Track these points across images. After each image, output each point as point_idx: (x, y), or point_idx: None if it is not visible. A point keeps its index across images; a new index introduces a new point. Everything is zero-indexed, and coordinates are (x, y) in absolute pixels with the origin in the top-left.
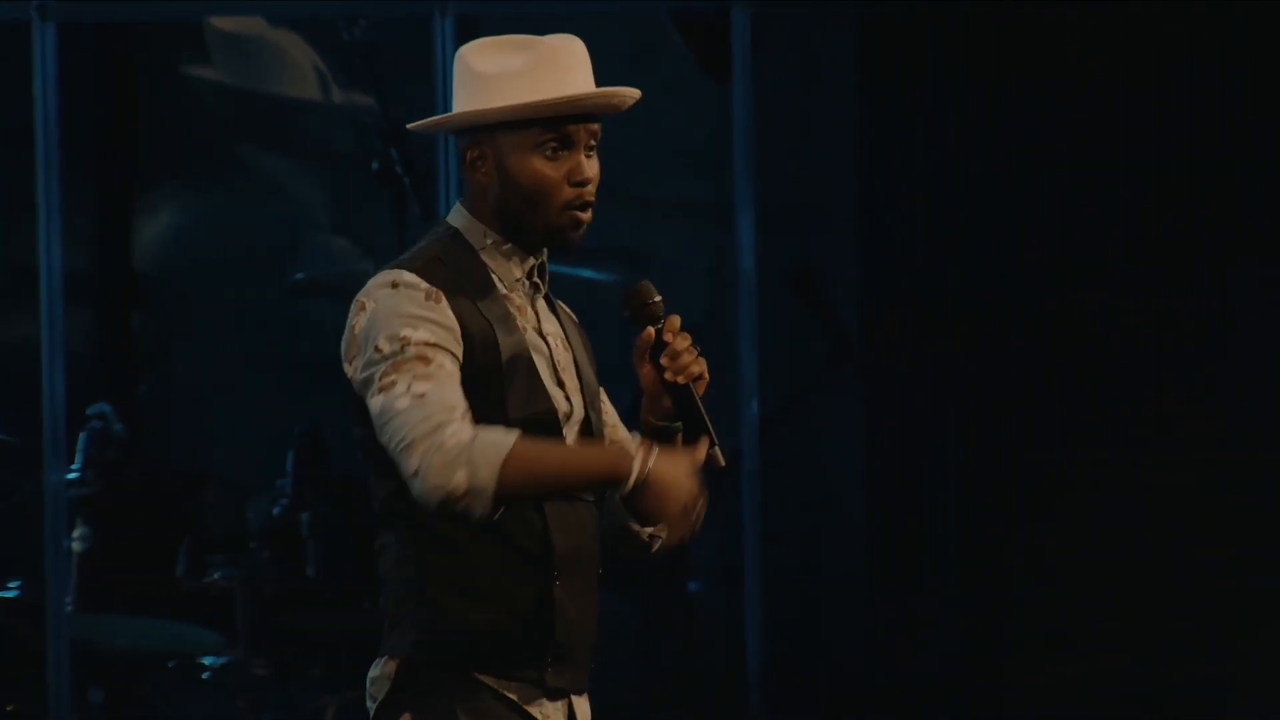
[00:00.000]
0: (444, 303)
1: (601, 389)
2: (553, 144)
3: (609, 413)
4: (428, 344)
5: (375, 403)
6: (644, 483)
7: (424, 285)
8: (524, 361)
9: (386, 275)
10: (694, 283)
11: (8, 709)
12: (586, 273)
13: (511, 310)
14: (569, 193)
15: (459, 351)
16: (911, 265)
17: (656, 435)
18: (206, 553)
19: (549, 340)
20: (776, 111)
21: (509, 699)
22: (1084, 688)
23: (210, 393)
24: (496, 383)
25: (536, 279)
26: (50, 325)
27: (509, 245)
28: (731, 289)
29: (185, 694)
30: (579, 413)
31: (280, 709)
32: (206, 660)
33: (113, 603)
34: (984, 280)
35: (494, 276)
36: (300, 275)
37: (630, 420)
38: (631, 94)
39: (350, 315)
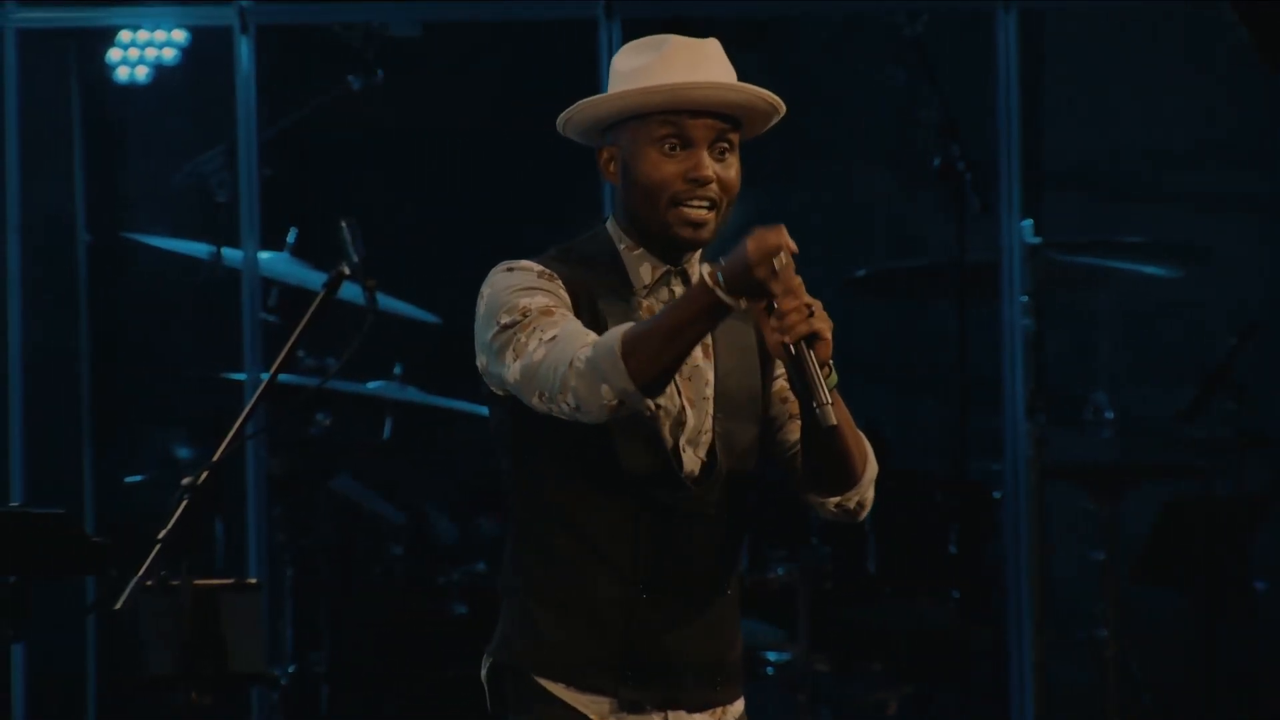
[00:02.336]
0: (559, 282)
1: (781, 395)
2: (671, 140)
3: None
4: (547, 309)
5: (515, 370)
6: (726, 271)
7: (538, 267)
8: None
9: (506, 263)
10: (1258, 278)
11: None
12: (1149, 269)
13: (634, 315)
14: (681, 187)
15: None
16: None
17: (799, 397)
18: (768, 548)
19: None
20: None
21: (578, 711)
22: None
23: None
24: None
25: (674, 285)
26: None
27: (640, 250)
28: None
29: (746, 690)
30: (694, 422)
31: (840, 704)
32: (769, 656)
33: None
34: None
35: (628, 277)
36: (860, 272)
37: None
38: (755, 92)
39: (476, 308)
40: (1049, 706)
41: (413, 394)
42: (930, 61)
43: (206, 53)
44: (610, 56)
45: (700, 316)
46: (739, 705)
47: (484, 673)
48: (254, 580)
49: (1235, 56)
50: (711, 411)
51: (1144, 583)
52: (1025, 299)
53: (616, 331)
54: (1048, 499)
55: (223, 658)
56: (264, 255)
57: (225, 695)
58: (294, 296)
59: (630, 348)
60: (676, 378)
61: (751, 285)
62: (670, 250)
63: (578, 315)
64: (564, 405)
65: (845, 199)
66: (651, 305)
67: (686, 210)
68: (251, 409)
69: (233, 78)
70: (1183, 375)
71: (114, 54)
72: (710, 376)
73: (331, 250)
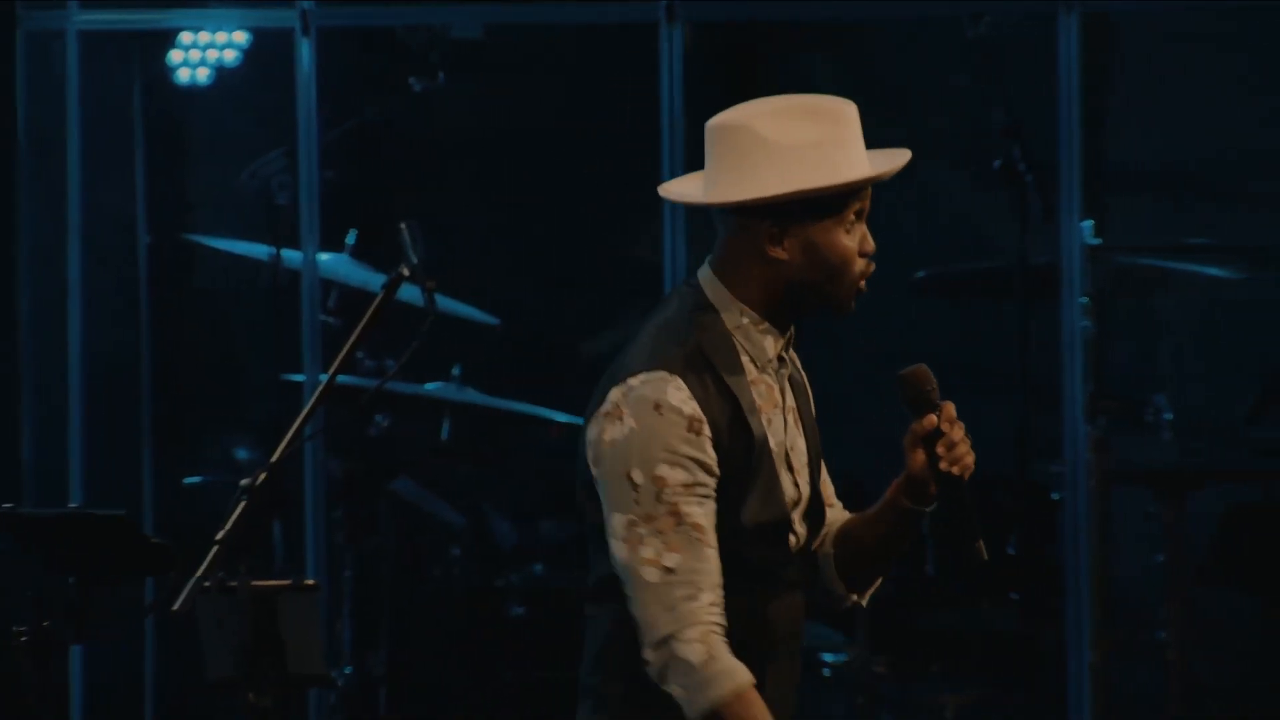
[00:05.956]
0: (705, 432)
1: (821, 461)
2: (854, 218)
3: (826, 485)
4: (683, 488)
5: (620, 552)
6: None
7: (687, 411)
8: (765, 459)
9: (650, 388)
10: None
11: None
12: (1213, 271)
13: (757, 398)
14: (861, 264)
15: (713, 486)
16: None
17: (906, 517)
18: None
19: (788, 419)
20: None
21: None
22: None
23: (835, 391)
24: (739, 486)
25: (786, 354)
26: None
27: (765, 324)
28: None
29: (805, 691)
30: (804, 495)
31: (899, 706)
32: (826, 657)
33: None
34: None
35: (744, 360)
36: (921, 274)
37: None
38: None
39: (601, 418)
40: (1110, 710)
41: (471, 395)
42: (994, 63)
43: (268, 55)
44: (671, 59)
45: None
46: None
47: None
48: (312, 581)
49: None
50: (810, 482)
51: (1212, 585)
52: (1085, 301)
53: (735, 682)
54: (1112, 502)
55: (281, 659)
56: (323, 257)
57: (283, 697)
58: (353, 298)
59: (729, 712)
60: (791, 455)
61: (922, 402)
62: (811, 316)
63: (719, 447)
64: (644, 641)
65: (912, 200)
66: (769, 382)
67: (863, 285)
68: (310, 410)
69: (294, 80)
70: (1248, 378)
71: (175, 56)
72: (803, 447)
73: (391, 252)
